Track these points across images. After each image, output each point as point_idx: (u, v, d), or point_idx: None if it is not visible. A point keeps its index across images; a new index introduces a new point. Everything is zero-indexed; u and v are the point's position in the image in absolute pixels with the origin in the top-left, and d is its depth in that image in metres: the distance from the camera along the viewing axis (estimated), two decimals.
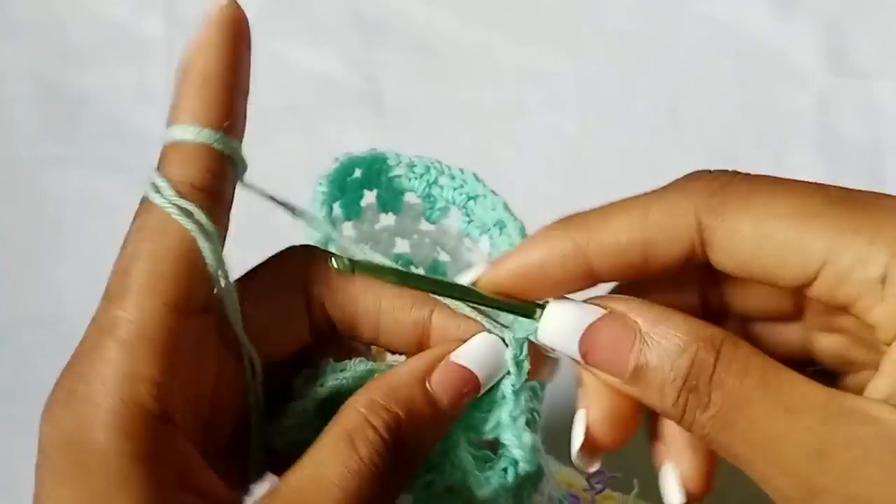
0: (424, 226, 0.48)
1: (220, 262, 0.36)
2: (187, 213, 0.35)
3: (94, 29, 0.87)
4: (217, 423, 0.38)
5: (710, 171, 0.37)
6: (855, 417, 0.32)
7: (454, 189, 0.48)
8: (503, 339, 0.40)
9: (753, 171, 0.37)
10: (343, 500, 0.34)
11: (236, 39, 0.38)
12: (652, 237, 0.35)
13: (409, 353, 0.41)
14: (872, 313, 0.34)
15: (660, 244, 0.35)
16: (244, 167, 0.38)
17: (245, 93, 0.38)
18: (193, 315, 0.35)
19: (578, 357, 0.37)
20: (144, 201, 0.36)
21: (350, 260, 0.38)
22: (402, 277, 0.40)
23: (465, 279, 0.39)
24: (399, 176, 0.47)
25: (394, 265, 0.41)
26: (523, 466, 0.40)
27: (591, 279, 0.37)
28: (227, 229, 0.38)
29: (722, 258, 0.35)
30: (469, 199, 0.48)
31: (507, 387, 0.40)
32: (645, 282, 0.38)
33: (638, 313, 0.36)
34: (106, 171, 0.82)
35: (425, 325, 0.40)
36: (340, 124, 0.83)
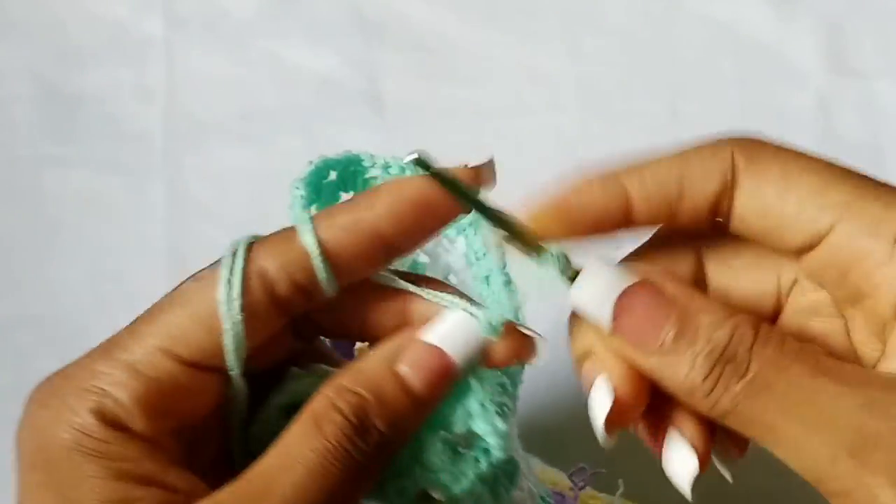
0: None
1: (238, 350, 0.36)
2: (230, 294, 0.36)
3: (94, 29, 0.87)
4: (204, 436, 0.38)
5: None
6: None
7: None
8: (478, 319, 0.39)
9: (790, 145, 0.38)
10: (307, 479, 0.34)
11: (429, 220, 0.38)
12: (690, 170, 0.36)
13: None
14: (876, 275, 0.34)
15: (696, 178, 0.36)
16: (324, 298, 0.38)
17: (393, 256, 0.39)
18: (190, 367, 0.36)
19: (606, 321, 0.36)
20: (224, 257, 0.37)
21: (429, 164, 0.37)
22: (465, 195, 0.38)
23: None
24: (375, 177, 0.47)
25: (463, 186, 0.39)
26: (496, 455, 0.39)
27: (628, 218, 0.37)
28: (267, 332, 0.38)
29: (745, 202, 0.36)
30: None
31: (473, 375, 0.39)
32: (647, 252, 0.39)
33: (676, 285, 0.36)
34: (106, 171, 0.82)
35: (406, 316, 0.39)
36: (340, 124, 0.83)
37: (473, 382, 0.39)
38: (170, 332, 0.36)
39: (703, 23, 0.87)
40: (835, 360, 0.34)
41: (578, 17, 0.88)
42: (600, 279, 0.36)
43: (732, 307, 0.35)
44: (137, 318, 0.37)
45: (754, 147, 0.36)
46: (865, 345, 0.37)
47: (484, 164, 0.39)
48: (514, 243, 0.38)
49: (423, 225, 0.38)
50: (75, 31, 0.87)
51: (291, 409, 0.39)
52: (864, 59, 0.86)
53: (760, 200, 0.36)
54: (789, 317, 0.39)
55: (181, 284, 0.37)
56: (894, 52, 0.86)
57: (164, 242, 0.79)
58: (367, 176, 0.46)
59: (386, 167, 0.47)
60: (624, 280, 0.36)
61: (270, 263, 0.36)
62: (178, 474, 0.35)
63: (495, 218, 0.38)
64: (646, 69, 0.86)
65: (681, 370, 0.34)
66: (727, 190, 0.36)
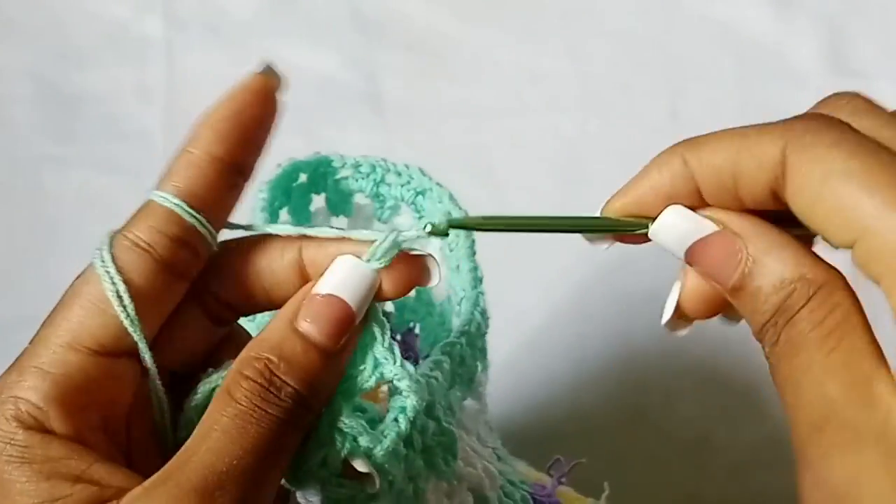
0: (377, 226, 0.48)
1: (133, 322, 0.37)
2: (108, 272, 0.37)
3: (94, 29, 0.87)
4: (141, 437, 0.38)
5: (820, 115, 0.37)
6: None
7: (401, 185, 0.48)
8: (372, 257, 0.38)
9: (843, 135, 0.37)
10: (225, 441, 0.34)
11: (252, 119, 0.40)
12: (742, 161, 0.36)
13: None
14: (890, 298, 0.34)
15: (747, 169, 0.36)
16: (214, 243, 0.39)
17: (245, 174, 0.39)
18: (101, 356, 0.36)
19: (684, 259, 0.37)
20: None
21: (446, 221, 0.38)
22: (506, 223, 0.39)
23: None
24: (346, 177, 0.47)
25: (487, 216, 0.39)
26: (412, 403, 0.38)
27: (700, 201, 0.37)
28: (178, 293, 0.38)
29: (790, 200, 0.36)
30: (417, 194, 0.48)
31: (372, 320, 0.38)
32: None
33: (751, 237, 0.36)
34: (106, 171, 0.82)
35: (301, 265, 0.39)
36: (340, 124, 0.83)
37: (376, 330, 0.38)
38: (69, 327, 0.36)
39: (703, 23, 0.87)
40: (867, 357, 0.33)
41: (578, 17, 0.88)
42: (675, 226, 0.37)
43: (805, 261, 0.35)
44: (40, 327, 0.37)
45: (807, 140, 0.36)
46: None
47: (263, 70, 0.42)
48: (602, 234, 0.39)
49: (245, 133, 0.39)
50: (75, 31, 0.87)
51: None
52: (864, 59, 0.86)
53: (800, 202, 0.36)
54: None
55: (69, 287, 0.38)
56: (894, 52, 0.86)
57: None
58: (337, 177, 0.47)
59: (356, 167, 0.47)
60: (700, 229, 0.37)
61: (141, 232, 0.37)
62: (108, 469, 0.35)
63: (556, 227, 0.39)
64: (646, 69, 0.86)
65: (745, 311, 0.36)
66: (780, 179, 0.36)
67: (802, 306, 0.34)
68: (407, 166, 0.48)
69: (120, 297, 0.36)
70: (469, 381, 0.47)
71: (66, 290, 0.38)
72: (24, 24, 0.87)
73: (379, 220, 0.48)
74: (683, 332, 0.39)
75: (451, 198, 0.47)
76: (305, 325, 0.37)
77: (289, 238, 0.39)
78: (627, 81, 0.86)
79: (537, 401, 0.73)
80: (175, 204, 0.37)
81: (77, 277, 0.38)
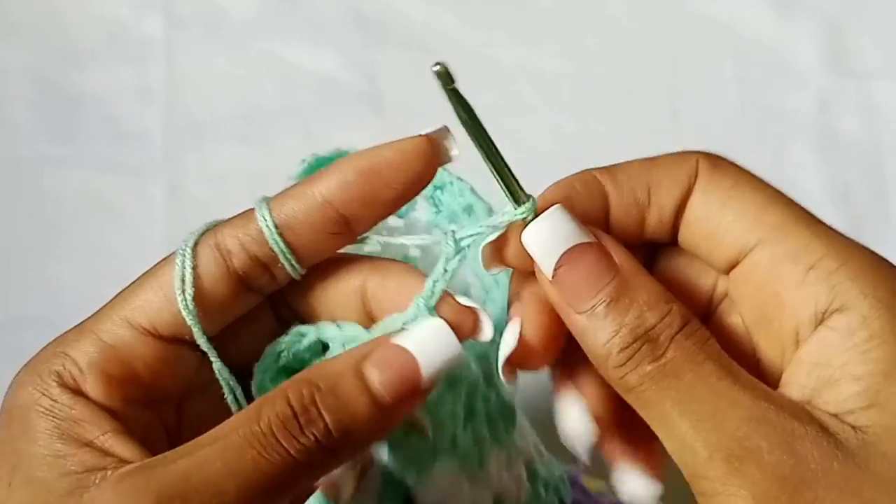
0: (393, 222, 0.48)
1: (189, 311, 0.37)
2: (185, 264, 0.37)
3: (94, 29, 0.87)
4: (197, 421, 0.39)
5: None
6: (794, 411, 0.33)
7: None
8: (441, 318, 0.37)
9: (753, 171, 0.39)
10: (219, 460, 0.33)
11: (386, 184, 0.38)
12: (658, 176, 0.37)
13: (361, 323, 0.39)
14: (784, 298, 0.35)
15: (663, 184, 0.37)
16: (296, 274, 0.38)
17: (354, 229, 0.39)
18: (153, 337, 0.37)
19: (550, 267, 0.36)
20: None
21: (452, 79, 0.38)
22: (472, 119, 0.38)
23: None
24: None
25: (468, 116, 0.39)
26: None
27: (608, 220, 0.38)
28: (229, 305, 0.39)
29: (693, 207, 0.37)
30: (435, 188, 0.48)
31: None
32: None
33: (627, 256, 0.36)
34: (106, 171, 0.82)
35: (363, 292, 0.39)
36: (340, 124, 0.83)
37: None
38: (134, 304, 0.37)
39: (703, 23, 0.87)
40: (746, 373, 0.35)
41: (578, 17, 0.88)
42: (557, 228, 0.36)
43: (670, 294, 0.36)
44: (117, 294, 0.38)
45: (717, 159, 0.37)
46: (767, 369, 0.37)
47: (436, 133, 0.40)
48: (499, 182, 0.39)
49: (372, 193, 0.38)
50: (75, 31, 0.87)
51: (288, 368, 0.39)
52: (864, 59, 0.86)
53: (705, 208, 0.37)
54: (714, 325, 0.40)
55: (158, 262, 0.39)
56: (894, 52, 0.86)
57: (164, 242, 0.79)
58: None
59: None
60: (578, 236, 0.36)
61: (227, 237, 0.37)
62: (121, 441, 0.35)
63: (491, 153, 0.39)
64: (646, 69, 0.86)
65: (602, 336, 0.35)
66: (688, 196, 0.37)
67: (682, 326, 0.34)
68: None
69: (183, 286, 0.37)
70: None
71: (155, 264, 0.38)
72: (24, 24, 0.87)
73: (396, 215, 0.48)
74: (514, 381, 0.37)
75: (473, 191, 0.47)
76: (370, 370, 0.35)
77: (356, 263, 0.39)
78: (627, 81, 0.86)
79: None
80: (267, 227, 0.37)
81: (165, 256, 0.38)
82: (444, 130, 0.39)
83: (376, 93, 0.85)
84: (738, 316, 0.39)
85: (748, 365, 0.36)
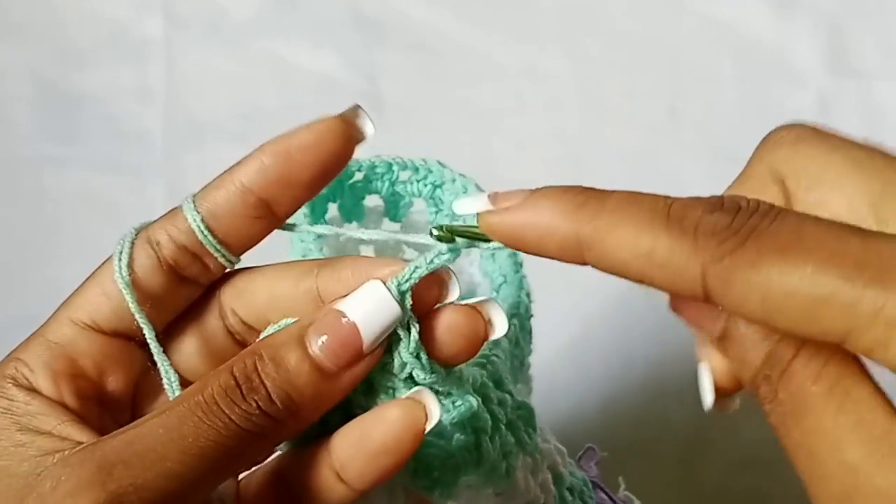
0: (389, 226, 0.48)
1: (138, 311, 0.38)
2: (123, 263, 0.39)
3: (94, 29, 0.87)
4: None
5: (721, 203, 0.32)
6: None
7: (418, 181, 0.47)
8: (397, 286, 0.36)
9: None
10: (159, 428, 0.34)
11: (304, 166, 0.38)
12: (653, 273, 0.32)
13: None
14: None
15: (661, 282, 0.32)
16: (228, 263, 0.39)
17: (276, 213, 0.39)
18: (96, 332, 0.39)
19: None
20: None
21: (448, 227, 0.36)
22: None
23: (465, 207, 0.35)
24: (360, 182, 0.46)
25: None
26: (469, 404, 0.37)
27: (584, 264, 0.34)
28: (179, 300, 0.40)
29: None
30: (435, 187, 0.47)
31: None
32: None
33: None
34: (106, 171, 0.82)
35: (316, 294, 0.38)
36: None
37: (402, 333, 0.36)
38: (76, 302, 0.39)
39: (704, 23, 0.87)
40: (867, 401, 0.31)
41: (578, 17, 0.88)
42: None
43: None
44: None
45: (728, 262, 0.31)
46: None
47: (349, 112, 0.40)
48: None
49: (289, 174, 0.38)
50: (75, 31, 0.87)
51: None
52: (864, 59, 0.86)
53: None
54: None
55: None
56: (894, 52, 0.86)
57: None
58: (352, 181, 0.46)
59: (372, 168, 0.47)
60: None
61: (157, 231, 0.39)
62: (78, 429, 0.37)
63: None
64: (646, 69, 0.86)
65: (735, 364, 0.33)
66: (701, 295, 0.33)
67: (794, 356, 0.32)
68: (425, 160, 0.47)
69: (120, 272, 0.38)
70: (521, 363, 0.47)
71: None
72: (24, 24, 0.87)
73: (392, 219, 0.48)
74: (735, 406, 0.36)
75: (478, 187, 0.46)
76: (311, 337, 0.36)
77: (308, 265, 0.39)
78: (627, 81, 0.86)
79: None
80: (192, 216, 0.38)
81: (105, 260, 0.40)
82: (357, 108, 0.40)
83: (376, 93, 0.85)
84: None
85: None
